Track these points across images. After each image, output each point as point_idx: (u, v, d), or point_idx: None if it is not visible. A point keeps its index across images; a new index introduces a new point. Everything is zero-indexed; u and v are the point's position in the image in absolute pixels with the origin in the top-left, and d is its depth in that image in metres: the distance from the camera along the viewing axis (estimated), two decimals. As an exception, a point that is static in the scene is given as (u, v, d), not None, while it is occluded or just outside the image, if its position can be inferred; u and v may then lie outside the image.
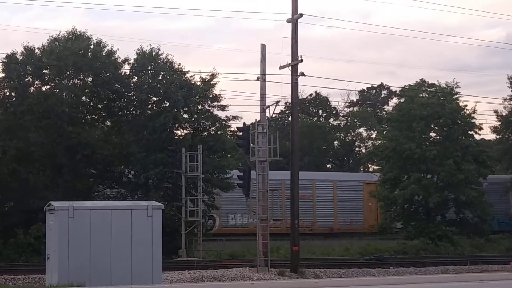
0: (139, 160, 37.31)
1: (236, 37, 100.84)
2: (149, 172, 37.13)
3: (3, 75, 37.46)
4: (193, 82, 38.95)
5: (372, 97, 79.54)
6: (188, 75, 39.06)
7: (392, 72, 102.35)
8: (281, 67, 31.30)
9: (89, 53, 37.70)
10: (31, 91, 37.49)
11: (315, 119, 75.50)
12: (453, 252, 40.36)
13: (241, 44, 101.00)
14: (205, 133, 39.72)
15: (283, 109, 66.41)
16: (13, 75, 36.87)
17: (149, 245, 22.22)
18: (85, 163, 37.35)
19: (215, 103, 39.28)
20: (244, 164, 33.18)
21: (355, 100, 78.56)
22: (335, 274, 30.71)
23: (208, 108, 39.39)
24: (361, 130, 73.26)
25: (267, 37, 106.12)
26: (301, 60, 30.82)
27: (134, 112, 39.38)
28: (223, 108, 39.36)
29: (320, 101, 76.52)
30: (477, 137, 45.52)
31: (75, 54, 36.54)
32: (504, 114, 49.52)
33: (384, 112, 70.29)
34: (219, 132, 39.66)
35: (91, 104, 39.28)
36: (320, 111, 77.74)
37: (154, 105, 39.23)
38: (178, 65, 39.07)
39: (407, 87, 48.51)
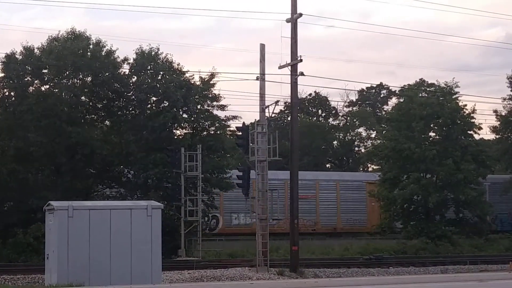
0: (139, 160, 37.32)
1: (236, 37, 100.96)
2: (149, 172, 37.12)
3: (2, 75, 37.45)
4: (192, 82, 38.95)
5: (371, 97, 79.55)
6: (187, 74, 39.09)
7: (392, 72, 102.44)
8: (280, 67, 31.30)
9: (88, 53, 37.68)
10: (31, 91, 37.47)
11: (315, 118, 75.51)
12: (453, 251, 40.37)
13: (240, 44, 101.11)
14: (205, 133, 39.72)
15: (283, 109, 66.49)
16: (12, 75, 36.85)
17: (148, 244, 22.23)
18: (85, 162, 37.32)
19: (215, 103, 39.28)
20: (243, 164, 33.18)
21: (354, 100, 78.65)
22: (334, 273, 30.72)
23: (207, 108, 39.40)
24: (361, 129, 73.34)
25: (266, 37, 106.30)
26: (301, 60, 30.83)
27: (133, 112, 39.35)
28: (222, 108, 39.38)
29: (319, 100, 76.55)
30: (476, 137, 45.59)
31: (74, 54, 36.53)
32: (503, 114, 49.53)
33: (384, 112, 70.35)
34: (218, 132, 39.66)
35: (91, 104, 39.26)
36: (320, 111, 77.78)
37: (153, 105, 39.22)
38: (178, 64, 39.12)
39: (407, 87, 48.54)
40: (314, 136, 66.53)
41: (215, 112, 39.42)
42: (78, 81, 38.02)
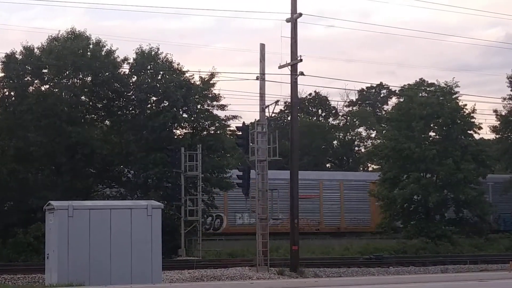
0: (139, 159, 37.32)
1: (236, 37, 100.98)
2: (149, 171, 37.13)
3: (2, 74, 37.46)
4: (192, 82, 38.95)
5: (371, 96, 79.57)
6: (187, 74, 39.10)
7: (392, 72, 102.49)
8: (280, 67, 31.31)
9: (88, 53, 37.69)
10: (31, 90, 37.47)
11: (315, 118, 75.52)
12: (453, 251, 40.39)
13: (240, 44, 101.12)
14: (205, 132, 39.72)
15: (283, 109, 66.50)
16: (12, 75, 36.85)
17: (148, 244, 22.22)
18: (85, 162, 37.33)
19: (215, 103, 39.29)
20: (243, 164, 33.19)
21: (354, 99, 78.67)
22: (334, 273, 30.73)
23: (207, 107, 39.40)
24: (361, 129, 73.35)
25: (266, 37, 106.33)
26: (301, 60, 30.84)
27: (133, 111, 39.36)
28: (222, 107, 39.38)
29: (319, 100, 76.57)
30: (476, 136, 45.64)
31: (74, 54, 36.53)
32: (503, 113, 49.54)
33: (384, 112, 70.34)
34: (218, 132, 39.67)
35: (91, 103, 39.27)
36: (320, 111, 77.80)
37: (153, 104, 39.23)
38: (178, 64, 39.13)
39: (407, 87, 48.54)
40: (314, 135, 66.54)
41: (215, 112, 39.48)
42: (78, 81, 38.03)
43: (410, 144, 42.28)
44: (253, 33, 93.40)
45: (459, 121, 43.78)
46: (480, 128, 44.99)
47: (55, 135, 36.25)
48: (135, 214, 22.40)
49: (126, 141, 38.19)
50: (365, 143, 71.95)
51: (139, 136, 37.99)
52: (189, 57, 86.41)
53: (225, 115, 39.59)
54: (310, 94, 75.35)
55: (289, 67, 31.03)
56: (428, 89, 47.85)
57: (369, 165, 66.89)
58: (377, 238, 45.14)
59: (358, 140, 73.32)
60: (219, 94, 39.03)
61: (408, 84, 49.57)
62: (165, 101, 38.69)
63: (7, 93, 37.74)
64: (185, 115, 39.21)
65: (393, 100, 60.74)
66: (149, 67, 38.63)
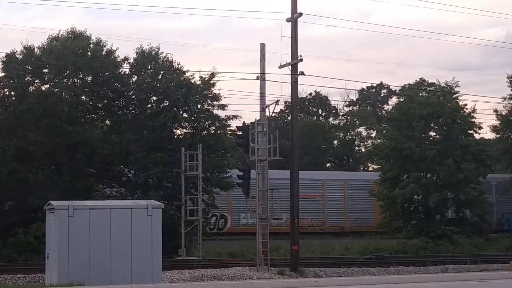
0: (139, 159, 37.32)
1: (236, 36, 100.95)
2: (149, 171, 37.12)
3: (3, 74, 37.46)
4: (192, 82, 38.95)
5: (371, 96, 79.56)
6: (187, 74, 39.09)
7: (392, 71, 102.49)
8: (280, 66, 31.31)
9: (89, 53, 37.69)
10: (31, 90, 37.47)
11: (315, 118, 75.51)
12: (453, 251, 40.37)
13: (240, 43, 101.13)
14: (205, 132, 39.72)
15: (283, 108, 66.49)
16: (12, 75, 36.85)
17: (149, 244, 22.24)
18: (85, 162, 37.32)
19: (215, 102, 39.29)
20: (243, 163, 33.18)
21: (354, 99, 78.65)
22: (335, 273, 30.73)
23: (207, 107, 39.40)
24: (361, 129, 73.35)
25: (266, 36, 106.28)
26: (301, 59, 30.83)
27: (133, 111, 39.35)
28: (222, 107, 39.38)
29: (319, 100, 76.56)
30: (476, 136, 45.62)
31: (74, 54, 36.53)
32: (503, 113, 49.52)
33: (384, 111, 70.32)
34: (218, 132, 39.66)
35: (91, 103, 39.27)
36: (320, 110, 77.80)
37: (153, 104, 39.22)
38: (178, 64, 39.12)
39: (407, 86, 48.55)
40: (315, 135, 66.53)
41: (216, 111, 39.47)
42: (78, 80, 38.03)
43: (410, 144, 42.27)
44: (253, 33, 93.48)
45: (459, 121, 43.77)
46: (480, 127, 45.00)
47: (56, 134, 36.26)
48: (136, 214, 22.41)
49: (126, 140, 38.19)
50: (366, 143, 71.97)
51: (140, 136, 37.98)
52: (189, 57, 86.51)
53: (226, 115, 39.65)
54: (310, 94, 75.40)
55: (289, 66, 31.04)
56: (428, 88, 47.88)
57: (369, 165, 66.90)
58: (378, 238, 45.12)
59: (358, 140, 73.34)
60: (219, 94, 39.08)
61: (409, 84, 49.59)
62: (165, 101, 38.69)
63: (7, 93, 37.75)
64: (185, 115, 39.21)
65: (393, 100, 60.79)
66: (149, 67, 38.63)
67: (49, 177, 36.97)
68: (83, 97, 38.54)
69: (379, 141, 51.25)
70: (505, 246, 43.07)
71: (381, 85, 76.50)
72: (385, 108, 74.15)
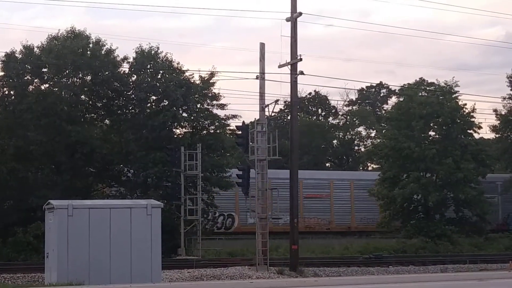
0: (138, 158, 37.31)
1: (235, 36, 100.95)
2: (148, 170, 37.12)
3: (2, 73, 37.45)
4: (192, 81, 38.95)
5: (371, 96, 79.53)
6: (187, 73, 39.11)
7: (391, 71, 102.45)
8: (280, 66, 31.28)
9: (88, 52, 37.69)
10: (30, 89, 37.48)
11: (314, 117, 75.48)
12: (452, 251, 40.38)
13: (240, 43, 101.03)
14: (204, 131, 39.73)
15: (282, 108, 66.47)
16: (12, 74, 36.84)
17: (148, 243, 22.22)
18: (84, 161, 37.33)
19: (214, 102, 39.29)
20: (243, 163, 33.17)
21: (354, 99, 78.64)
22: (334, 272, 30.72)
23: (207, 106, 39.41)
24: (360, 129, 73.33)
25: (266, 36, 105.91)
26: (300, 59, 30.82)
27: (133, 110, 39.36)
28: (222, 106, 39.37)
29: (319, 99, 76.54)
30: (476, 136, 45.67)
31: (74, 53, 36.53)
32: (503, 113, 49.53)
33: (383, 111, 70.29)
34: (218, 131, 39.68)
35: (90, 102, 39.27)
36: (319, 110, 77.77)
37: (153, 103, 39.22)
38: (177, 63, 39.14)
39: (406, 86, 48.55)
40: (314, 135, 66.51)
41: (215, 111, 39.47)
42: (78, 80, 38.02)
43: (409, 144, 42.28)
44: (252, 32, 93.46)
45: (458, 121, 43.80)
46: (479, 127, 45.06)
47: (55, 134, 36.25)
48: (135, 213, 22.39)
49: (125, 140, 38.20)
50: (365, 143, 71.97)
51: (139, 135, 37.98)
52: (188, 56, 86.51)
53: (225, 114, 39.64)
54: (310, 94, 75.38)
55: (289, 66, 31.02)
56: (427, 88, 47.87)
57: (369, 164, 66.90)
58: (380, 238, 45.13)
59: (358, 140, 73.31)
60: (219, 93, 39.08)
61: (408, 84, 49.59)
62: (164, 100, 38.69)
63: (7, 92, 37.74)
64: (185, 114, 39.21)
65: (393, 100, 60.83)
66: (148, 66, 38.63)
67: (48, 177, 36.96)
68: (82, 96, 38.54)
69: (378, 140, 51.28)
70: (504, 246, 43.09)
71: (380, 85, 76.50)
72: (384, 108, 74.15)
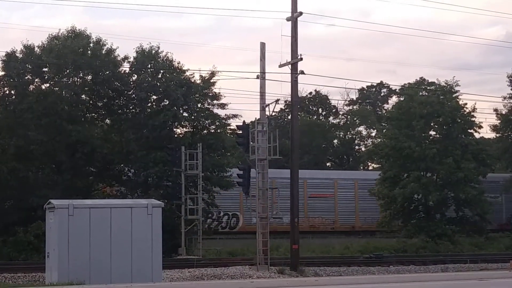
0: (139, 158, 37.33)
1: (236, 35, 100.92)
2: (149, 170, 37.14)
3: (3, 73, 37.49)
4: (192, 81, 38.97)
5: (371, 95, 79.50)
6: (187, 73, 39.13)
7: (392, 71, 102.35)
8: (280, 66, 31.29)
9: (89, 51, 37.70)
10: (31, 89, 37.49)
11: (315, 117, 75.46)
12: (453, 250, 40.37)
13: (240, 42, 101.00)
14: (205, 131, 39.74)
15: (283, 108, 66.46)
16: (12, 73, 36.86)
17: (149, 243, 22.22)
18: (85, 161, 37.34)
19: (215, 101, 39.31)
20: (244, 162, 33.17)
21: (354, 98, 78.61)
22: (335, 272, 30.71)
23: (207, 106, 39.42)
24: (361, 128, 73.32)
25: (266, 36, 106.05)
26: (301, 59, 30.83)
27: (133, 110, 39.38)
28: (222, 106, 39.39)
29: (319, 99, 76.51)
30: (476, 135, 45.66)
31: (74, 52, 36.55)
32: (503, 112, 49.52)
33: (384, 111, 70.28)
34: (218, 131, 39.70)
35: (91, 102, 39.28)
36: (320, 110, 77.74)
37: (153, 103, 39.24)
38: (178, 63, 39.15)
39: (407, 86, 48.54)
40: (315, 134, 66.49)
41: (216, 110, 39.50)
42: (78, 79, 38.03)
43: (410, 143, 42.28)
44: (253, 32, 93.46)
45: (459, 120, 43.79)
46: (480, 127, 45.03)
47: (56, 133, 36.27)
48: (136, 213, 22.40)
49: (126, 139, 38.21)
50: (366, 142, 71.94)
51: (140, 135, 38.00)
52: (189, 55, 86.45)
53: (226, 114, 39.68)
54: (310, 93, 75.32)
55: (290, 66, 31.02)
56: (428, 88, 47.84)
57: (369, 164, 66.88)
58: (380, 237, 45.13)
59: (358, 139, 73.28)
60: (219, 93, 39.13)
61: (409, 83, 49.59)
62: (165, 100, 38.71)
63: (7, 92, 37.77)
64: (185, 114, 39.23)
65: (394, 99, 60.70)
66: (149, 65, 38.65)
67: (49, 176, 36.99)
68: (83, 96, 38.56)
69: (379, 140, 51.26)
70: (505, 246, 43.07)
71: (381, 84, 76.47)
72: (385, 107, 74.12)
